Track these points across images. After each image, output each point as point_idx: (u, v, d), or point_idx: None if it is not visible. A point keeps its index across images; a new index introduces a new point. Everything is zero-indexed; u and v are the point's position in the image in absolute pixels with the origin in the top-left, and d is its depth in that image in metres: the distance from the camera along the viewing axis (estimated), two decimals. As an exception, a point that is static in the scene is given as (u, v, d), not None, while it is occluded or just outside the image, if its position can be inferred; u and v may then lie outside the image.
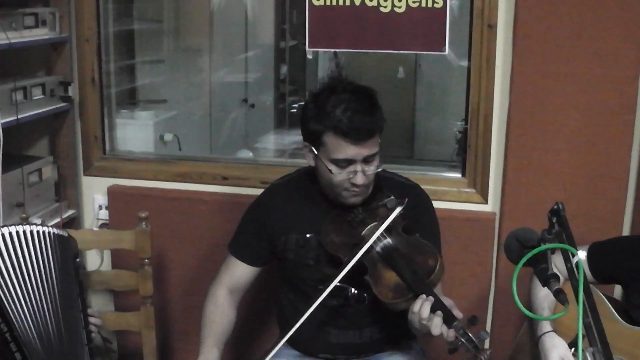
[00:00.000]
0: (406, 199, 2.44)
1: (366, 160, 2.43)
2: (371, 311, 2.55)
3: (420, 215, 2.61)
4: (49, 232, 2.50)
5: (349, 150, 2.39)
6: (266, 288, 3.01)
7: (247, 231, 2.72)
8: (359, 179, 2.43)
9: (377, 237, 2.41)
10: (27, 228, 2.46)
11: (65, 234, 2.57)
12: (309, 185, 2.65)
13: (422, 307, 2.24)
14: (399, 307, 2.35)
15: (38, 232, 2.48)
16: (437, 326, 2.21)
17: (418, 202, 2.62)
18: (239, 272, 2.70)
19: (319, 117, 2.42)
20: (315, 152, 2.47)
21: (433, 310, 2.23)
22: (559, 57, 2.93)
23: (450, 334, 2.19)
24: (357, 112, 2.38)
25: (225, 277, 2.71)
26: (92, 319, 2.56)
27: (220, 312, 2.66)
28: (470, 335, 2.17)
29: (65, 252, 2.53)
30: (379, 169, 2.48)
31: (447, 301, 2.29)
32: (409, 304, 2.30)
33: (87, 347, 2.47)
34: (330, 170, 2.42)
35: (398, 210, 2.42)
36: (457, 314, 2.24)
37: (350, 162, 2.41)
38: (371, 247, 2.42)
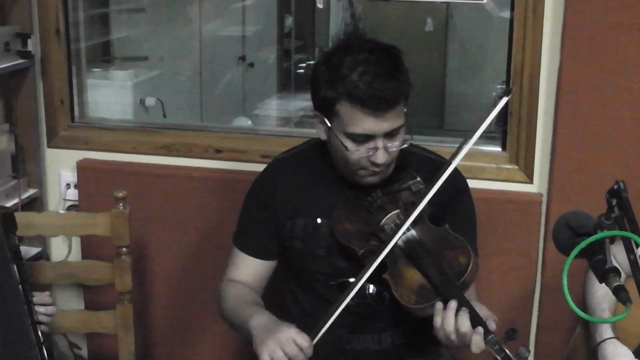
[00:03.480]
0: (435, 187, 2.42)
1: (389, 135, 2.40)
2: (392, 312, 2.54)
3: (452, 200, 2.60)
4: None
5: (367, 123, 2.36)
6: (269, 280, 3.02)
7: (253, 218, 2.70)
8: (380, 157, 2.40)
9: (401, 233, 2.39)
10: None
11: None
12: (320, 160, 2.63)
13: (445, 315, 2.23)
14: (423, 313, 2.35)
15: None
16: (476, 344, 2.20)
17: (450, 184, 2.60)
18: (251, 269, 2.68)
19: (332, 81, 2.39)
20: (328, 123, 2.44)
21: (458, 313, 2.22)
22: (621, 4, 2.90)
23: (478, 343, 2.20)
24: (378, 77, 2.34)
25: (235, 275, 2.69)
26: (41, 309, 2.49)
27: (246, 291, 2.61)
28: (507, 352, 2.16)
29: None
30: (405, 145, 2.46)
31: (481, 309, 2.28)
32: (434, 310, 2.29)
33: (39, 348, 2.43)
34: (345, 147, 2.40)
35: (425, 201, 2.40)
36: (491, 325, 2.23)
37: (369, 137, 2.38)
38: (390, 239, 2.40)
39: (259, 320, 2.41)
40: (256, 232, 2.68)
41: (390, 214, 2.49)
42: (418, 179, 2.51)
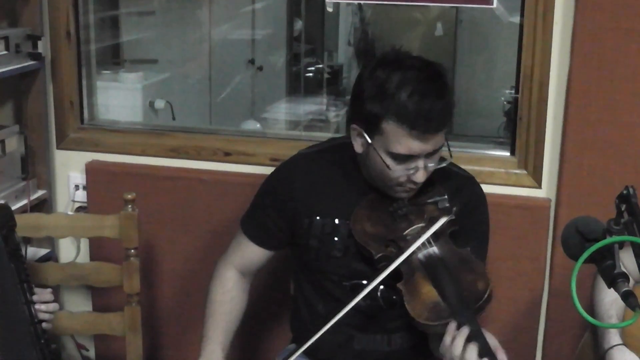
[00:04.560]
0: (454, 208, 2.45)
1: (429, 154, 2.40)
2: (403, 314, 2.53)
3: (471, 214, 2.60)
4: None
5: (412, 145, 2.36)
6: (281, 275, 3.01)
7: (264, 207, 2.72)
8: (420, 177, 2.41)
9: (421, 243, 2.40)
10: None
11: None
12: (344, 160, 2.63)
13: (455, 339, 2.24)
14: (430, 330, 2.37)
15: None
16: None
17: (471, 199, 2.61)
18: (250, 254, 2.73)
19: (379, 98, 2.37)
20: (369, 139, 2.43)
21: (469, 340, 2.23)
22: (632, 10, 2.90)
23: None
24: (427, 97, 2.33)
25: (235, 257, 2.75)
26: (42, 307, 2.47)
27: (229, 299, 2.70)
28: None
29: None
30: (443, 164, 2.46)
31: (489, 337, 2.28)
32: (444, 329, 2.29)
33: (40, 348, 2.42)
34: (387, 165, 2.40)
35: (446, 218, 2.41)
36: (502, 358, 2.23)
37: (411, 157, 2.38)
38: (413, 251, 2.40)
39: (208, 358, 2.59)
40: (264, 222, 2.70)
41: (415, 226, 2.49)
42: (445, 196, 2.51)
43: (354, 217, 2.53)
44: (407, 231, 2.48)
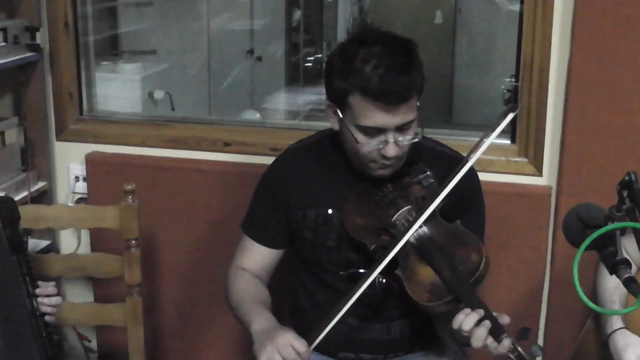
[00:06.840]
0: (446, 188, 2.41)
1: (400, 128, 2.39)
2: (401, 302, 2.53)
3: (465, 201, 2.59)
4: None
5: (378, 117, 2.36)
6: (281, 267, 3.01)
7: (262, 206, 2.71)
8: (390, 151, 2.39)
9: (413, 231, 2.39)
10: None
11: None
12: (333, 151, 2.63)
13: (465, 319, 2.23)
14: (435, 311, 2.36)
15: None
16: (479, 338, 2.21)
17: (464, 180, 2.59)
18: (258, 256, 2.71)
19: (345, 73, 2.38)
20: (340, 115, 2.44)
21: (478, 321, 2.22)
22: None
23: (496, 346, 2.20)
24: (390, 70, 2.33)
25: (243, 262, 2.71)
26: (44, 300, 2.46)
27: (253, 285, 2.63)
28: (520, 350, 2.17)
29: None
30: (416, 139, 2.45)
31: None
32: (447, 307, 2.30)
33: (42, 340, 2.41)
34: (356, 139, 2.40)
35: (438, 200, 2.39)
36: (504, 320, 2.23)
37: (380, 130, 2.38)
38: (402, 235, 2.40)
39: (260, 324, 2.46)
40: (266, 221, 2.69)
41: (401, 210, 2.48)
42: (428, 173, 2.51)
43: (345, 212, 2.54)
44: (395, 217, 2.48)
